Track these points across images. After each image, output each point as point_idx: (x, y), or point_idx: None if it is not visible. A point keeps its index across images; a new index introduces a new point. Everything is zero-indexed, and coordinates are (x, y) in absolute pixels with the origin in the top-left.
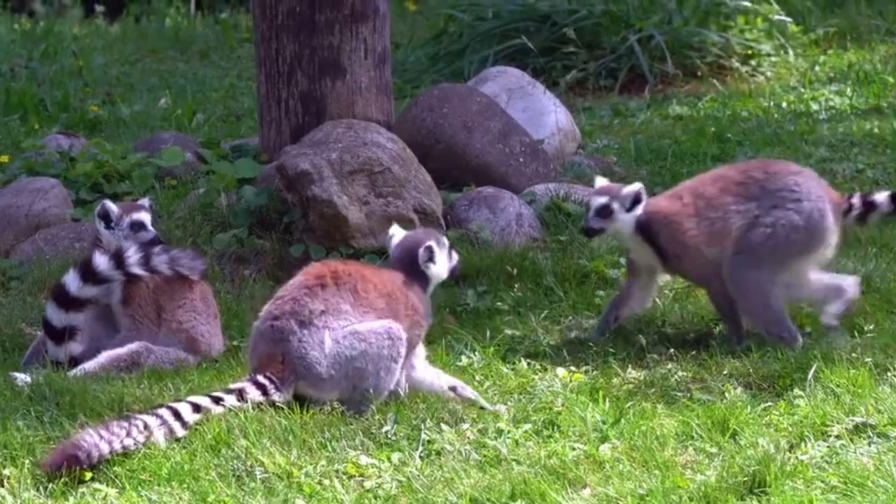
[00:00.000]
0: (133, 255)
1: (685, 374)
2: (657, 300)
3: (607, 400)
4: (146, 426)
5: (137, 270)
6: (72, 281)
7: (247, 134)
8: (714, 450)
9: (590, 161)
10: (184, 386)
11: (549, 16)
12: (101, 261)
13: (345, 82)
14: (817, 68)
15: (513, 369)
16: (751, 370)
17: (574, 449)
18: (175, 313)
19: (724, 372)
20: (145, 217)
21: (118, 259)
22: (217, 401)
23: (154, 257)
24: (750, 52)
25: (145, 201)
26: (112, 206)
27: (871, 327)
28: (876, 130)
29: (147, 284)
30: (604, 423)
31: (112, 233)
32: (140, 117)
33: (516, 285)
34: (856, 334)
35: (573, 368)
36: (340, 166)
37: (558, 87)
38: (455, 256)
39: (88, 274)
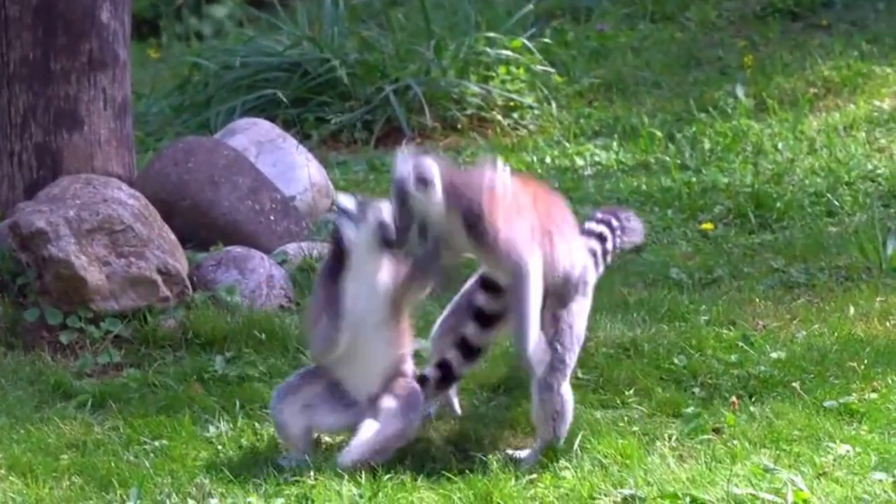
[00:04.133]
0: None
1: (446, 444)
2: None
3: (363, 473)
4: None
5: None
6: None
7: None
8: None
9: None
10: None
11: (300, 65)
12: None
13: (83, 134)
14: (582, 121)
15: (263, 440)
16: (512, 441)
17: None
18: None
19: (487, 441)
20: None
21: None
22: None
23: None
24: (512, 104)
25: None
26: None
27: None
28: (644, 187)
29: None
30: (360, 497)
31: None
32: None
33: (260, 350)
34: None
35: (328, 438)
36: (79, 224)
37: (311, 140)
38: None
39: None
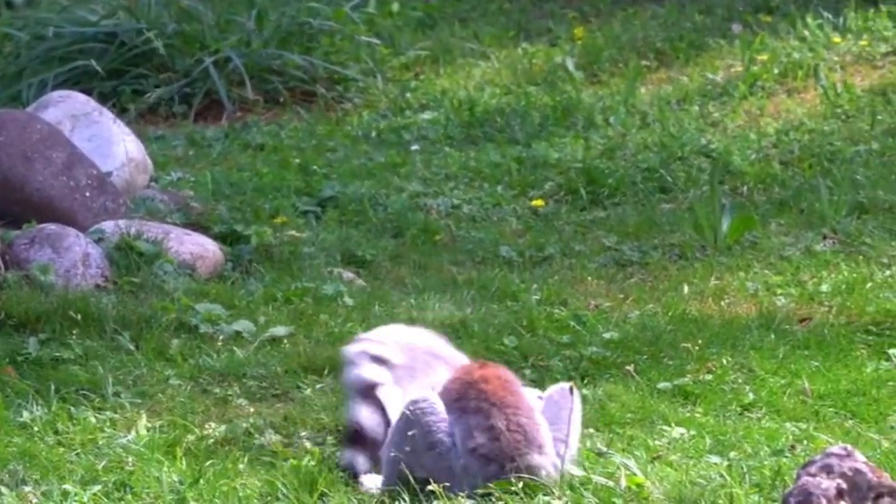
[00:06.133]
0: None
1: (270, 431)
2: (237, 350)
3: (185, 459)
4: None
5: None
6: None
7: None
8: None
9: (163, 196)
10: None
11: (116, 35)
12: None
13: None
14: (409, 94)
15: (79, 425)
16: (340, 427)
17: None
18: None
19: (310, 428)
20: None
21: None
22: None
23: None
24: (336, 76)
25: None
26: None
27: None
28: (472, 162)
29: None
30: (181, 483)
31: None
32: None
33: (75, 332)
34: None
35: (147, 423)
36: None
37: (128, 113)
38: None
39: None
